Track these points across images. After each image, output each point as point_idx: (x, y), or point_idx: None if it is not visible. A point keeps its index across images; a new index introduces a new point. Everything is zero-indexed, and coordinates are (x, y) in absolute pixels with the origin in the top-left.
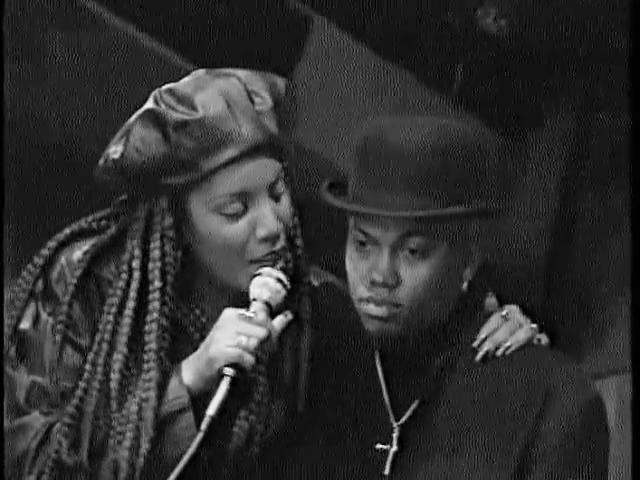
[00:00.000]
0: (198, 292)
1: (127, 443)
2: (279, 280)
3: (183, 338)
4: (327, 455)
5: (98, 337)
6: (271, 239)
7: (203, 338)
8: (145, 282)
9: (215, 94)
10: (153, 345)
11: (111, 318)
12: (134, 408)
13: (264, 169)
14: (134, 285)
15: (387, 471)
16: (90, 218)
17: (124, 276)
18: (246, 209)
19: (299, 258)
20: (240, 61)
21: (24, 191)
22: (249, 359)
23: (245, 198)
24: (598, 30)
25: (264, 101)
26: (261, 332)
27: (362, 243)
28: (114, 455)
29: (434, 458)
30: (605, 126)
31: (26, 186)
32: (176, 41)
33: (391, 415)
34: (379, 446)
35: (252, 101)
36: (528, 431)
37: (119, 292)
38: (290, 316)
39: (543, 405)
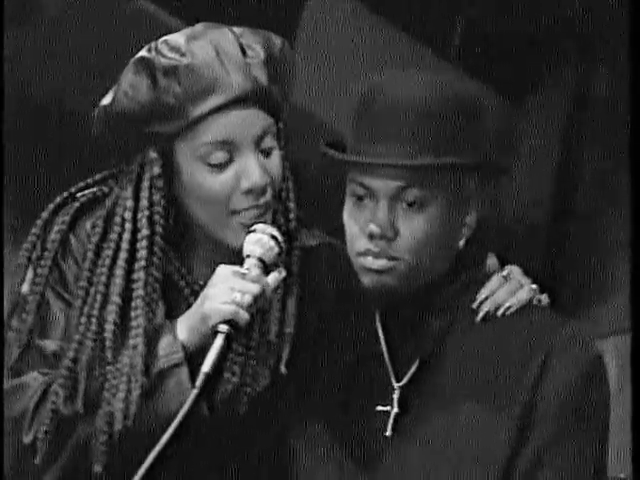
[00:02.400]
0: (189, 247)
1: (121, 395)
2: (273, 237)
3: (174, 293)
4: (328, 417)
5: (92, 290)
6: (256, 191)
7: (194, 293)
8: (136, 233)
9: (205, 43)
10: (140, 292)
11: (105, 270)
12: (126, 360)
13: (251, 119)
14: (126, 236)
15: (388, 432)
16: (90, 180)
17: (117, 228)
18: (231, 160)
19: (291, 220)
20: (238, 24)
21: (23, 154)
22: (243, 315)
23: (230, 147)
24: None
25: (256, 54)
26: (255, 288)
27: (360, 197)
28: (109, 407)
29: (435, 419)
30: (605, 83)
31: (25, 148)
32: (173, 3)
33: (392, 376)
34: (380, 408)
35: (244, 52)
36: (528, 390)
37: (112, 244)
38: (284, 273)
39: (543, 364)
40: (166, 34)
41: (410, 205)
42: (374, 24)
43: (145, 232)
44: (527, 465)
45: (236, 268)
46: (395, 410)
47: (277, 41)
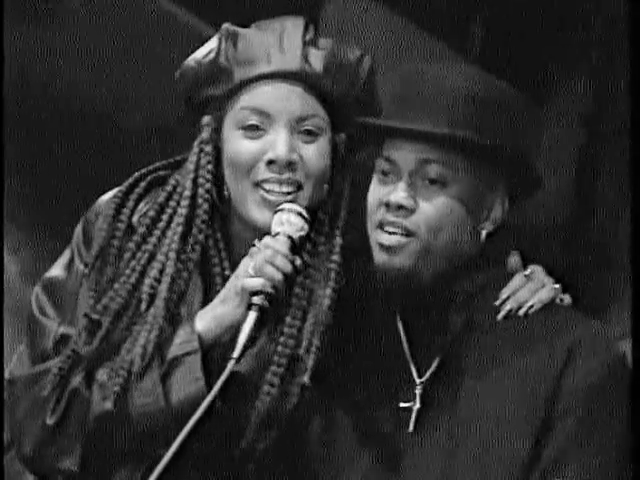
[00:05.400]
0: (231, 228)
1: (141, 340)
2: (300, 215)
3: (205, 268)
4: (351, 414)
5: (143, 247)
6: (279, 164)
7: (223, 272)
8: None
9: (275, 23)
10: (175, 245)
11: (158, 232)
12: (152, 311)
13: (293, 97)
14: (174, 202)
15: (411, 428)
16: (160, 164)
17: (176, 196)
18: (265, 130)
19: (336, 237)
20: (259, 18)
21: (32, 152)
22: (270, 287)
23: (265, 119)
24: None
25: (324, 46)
26: (284, 263)
27: (385, 173)
28: (128, 356)
29: (457, 414)
30: (625, 84)
31: (35, 146)
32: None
33: (414, 373)
34: (403, 404)
35: (312, 41)
36: (551, 387)
37: (169, 210)
38: (299, 261)
39: (566, 361)
40: (183, 31)
41: (432, 182)
42: (393, 22)
43: (187, 193)
44: (550, 460)
45: (265, 241)
46: (417, 406)
47: (357, 51)
